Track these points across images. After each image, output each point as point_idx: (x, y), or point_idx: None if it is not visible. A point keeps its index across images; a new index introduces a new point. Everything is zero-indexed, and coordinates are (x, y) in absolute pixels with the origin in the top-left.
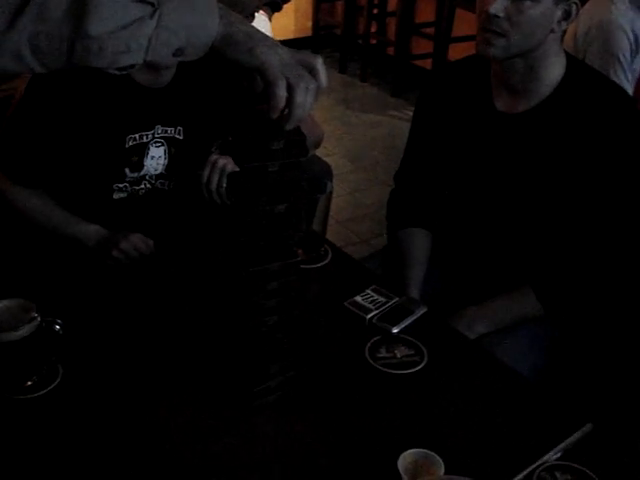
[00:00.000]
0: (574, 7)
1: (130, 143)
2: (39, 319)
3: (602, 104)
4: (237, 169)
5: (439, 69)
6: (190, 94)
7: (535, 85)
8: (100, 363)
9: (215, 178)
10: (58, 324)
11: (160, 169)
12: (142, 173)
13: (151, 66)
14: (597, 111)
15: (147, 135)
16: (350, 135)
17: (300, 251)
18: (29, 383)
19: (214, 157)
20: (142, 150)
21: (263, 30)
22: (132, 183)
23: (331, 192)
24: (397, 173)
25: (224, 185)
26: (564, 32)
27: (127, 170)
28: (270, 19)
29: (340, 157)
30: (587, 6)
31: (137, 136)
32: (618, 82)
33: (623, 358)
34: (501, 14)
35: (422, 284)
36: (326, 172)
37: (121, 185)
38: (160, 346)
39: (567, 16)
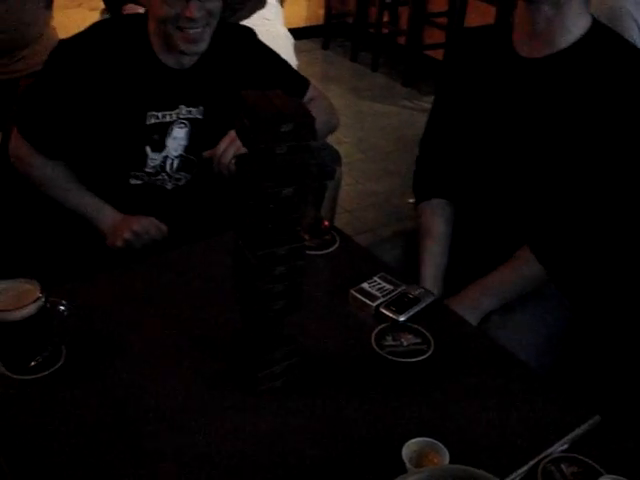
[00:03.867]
0: None
1: (152, 120)
2: (44, 299)
3: (623, 62)
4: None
5: (460, 33)
6: (212, 75)
7: (559, 33)
8: (104, 345)
9: (231, 151)
10: (63, 305)
11: (180, 150)
12: (163, 154)
13: (177, 49)
14: (617, 68)
15: (170, 115)
16: (360, 124)
17: (308, 237)
18: (33, 363)
19: (234, 133)
20: (164, 129)
21: (274, 16)
22: (150, 174)
23: (340, 179)
24: (422, 139)
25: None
26: None
27: (148, 149)
28: (282, 4)
29: (350, 146)
30: None
31: (159, 114)
32: None
33: (632, 349)
34: None
35: (443, 267)
36: (335, 159)
37: (139, 173)
38: (165, 329)
39: None
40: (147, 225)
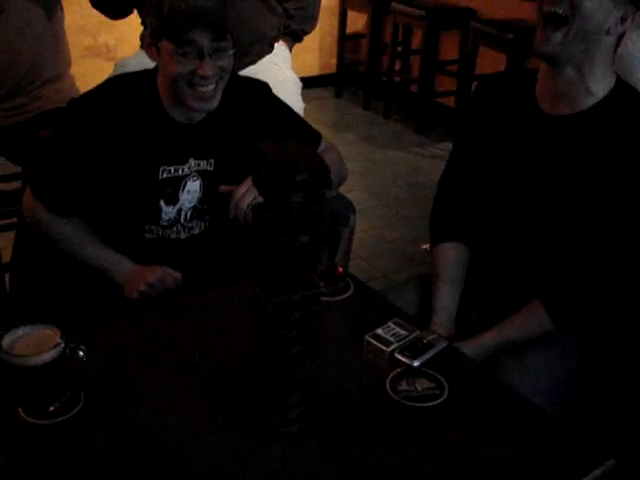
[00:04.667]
0: (630, 13)
1: (164, 175)
2: (63, 345)
3: None
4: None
5: (484, 81)
6: (222, 129)
7: (582, 94)
8: (121, 390)
9: (248, 197)
10: (82, 350)
11: (194, 202)
12: (177, 206)
13: (188, 106)
14: (638, 130)
15: (182, 168)
16: (373, 171)
17: (322, 284)
18: (52, 408)
19: (250, 179)
20: (178, 183)
21: (282, 60)
22: (165, 227)
23: (354, 226)
24: (441, 180)
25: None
26: (615, 48)
27: (162, 202)
28: (290, 49)
29: (363, 193)
30: None
31: (172, 169)
32: None
33: None
34: (564, 14)
35: (454, 318)
36: (348, 207)
37: (154, 227)
38: (181, 374)
39: (622, 21)
40: (161, 275)
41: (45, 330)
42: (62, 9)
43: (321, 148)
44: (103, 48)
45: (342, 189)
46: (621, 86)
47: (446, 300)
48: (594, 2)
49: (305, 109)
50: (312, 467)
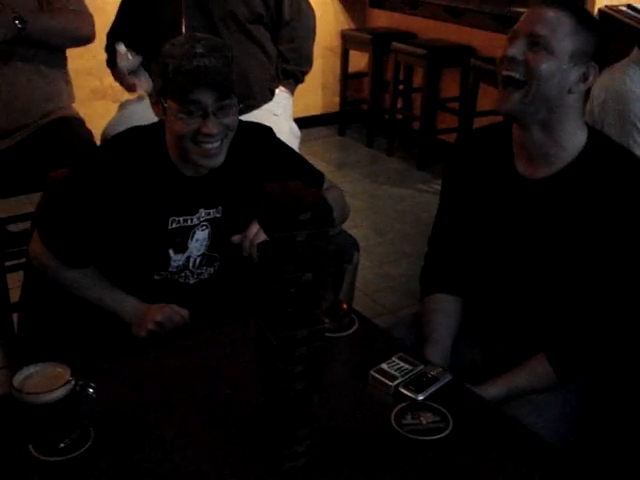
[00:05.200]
0: (592, 70)
1: (173, 225)
2: (73, 382)
3: (622, 176)
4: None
5: (464, 137)
6: (230, 177)
7: (555, 152)
8: (130, 426)
9: (262, 236)
10: (91, 387)
11: (203, 249)
12: (186, 254)
13: (194, 163)
14: (617, 182)
15: (192, 219)
16: (377, 208)
17: (327, 320)
18: (62, 445)
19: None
20: (187, 232)
21: (283, 110)
22: (173, 273)
23: (357, 263)
24: (430, 237)
25: None
26: (584, 100)
27: (171, 251)
28: (293, 92)
29: (367, 229)
30: (601, 78)
31: (181, 219)
32: (638, 150)
33: None
34: (519, 57)
35: (449, 350)
36: (352, 244)
37: (163, 272)
38: (189, 410)
39: (584, 78)
40: (169, 313)
41: (55, 368)
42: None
43: (324, 187)
44: (109, 90)
45: (346, 225)
46: (594, 138)
47: (439, 334)
48: (550, 64)
49: (309, 147)
50: None
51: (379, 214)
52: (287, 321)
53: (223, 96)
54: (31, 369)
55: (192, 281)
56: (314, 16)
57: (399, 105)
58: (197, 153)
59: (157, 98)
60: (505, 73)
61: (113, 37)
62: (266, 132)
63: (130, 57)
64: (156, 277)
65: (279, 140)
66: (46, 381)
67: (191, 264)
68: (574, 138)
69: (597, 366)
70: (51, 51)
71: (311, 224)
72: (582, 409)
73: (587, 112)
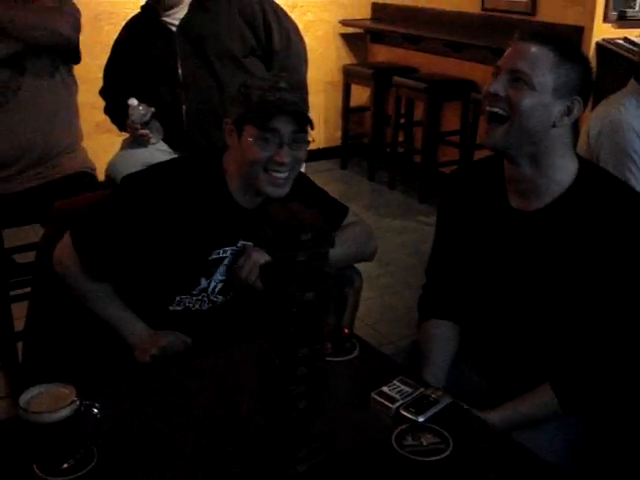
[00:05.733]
0: (576, 103)
1: (214, 256)
2: (78, 402)
3: (614, 206)
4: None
5: (459, 170)
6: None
7: (545, 184)
8: (134, 447)
9: (247, 266)
10: (96, 408)
11: (224, 274)
12: (211, 279)
13: (261, 191)
14: (609, 212)
15: (231, 249)
16: (379, 240)
17: (329, 345)
18: (66, 465)
19: (249, 249)
20: (221, 262)
21: None
22: (193, 295)
23: (360, 289)
24: (427, 268)
25: (253, 278)
26: (575, 136)
27: (203, 279)
28: None
29: (369, 262)
30: (597, 109)
31: (221, 250)
32: (634, 180)
33: None
34: (501, 93)
35: (446, 374)
36: (354, 269)
37: (184, 297)
38: (192, 431)
39: (569, 112)
40: (173, 340)
41: (61, 389)
42: (76, 84)
43: (348, 220)
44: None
45: None
46: (585, 168)
47: (436, 355)
48: (532, 100)
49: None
50: None
51: (381, 246)
52: (289, 340)
53: (299, 129)
54: (37, 389)
55: (206, 307)
56: (304, 45)
57: (400, 139)
58: (266, 181)
59: (233, 126)
60: (488, 109)
61: (108, 78)
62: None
63: (142, 110)
64: (171, 308)
65: (305, 176)
66: (52, 401)
67: (210, 289)
68: (564, 170)
69: (602, 396)
70: (58, 84)
71: (311, 244)
72: (584, 435)
73: (582, 143)
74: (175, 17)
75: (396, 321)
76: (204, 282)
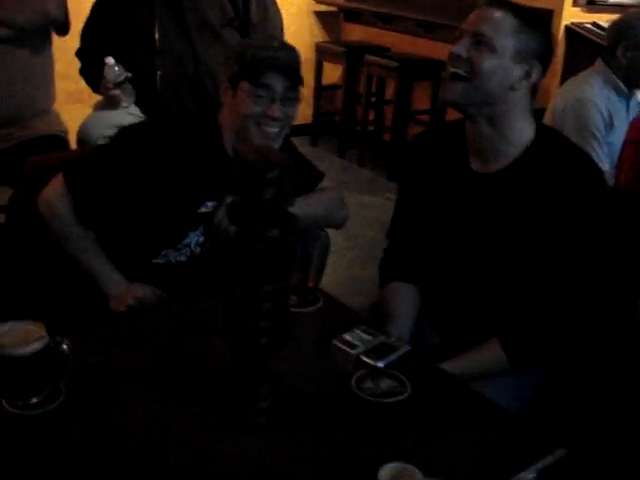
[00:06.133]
0: (535, 68)
1: (202, 209)
2: (48, 338)
3: (568, 168)
4: None
5: (422, 134)
6: None
7: (504, 147)
8: (101, 385)
9: (221, 215)
10: (65, 344)
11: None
12: (196, 232)
13: None
14: (563, 175)
15: (217, 205)
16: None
17: (295, 297)
18: (34, 400)
19: (228, 199)
20: (208, 217)
21: None
22: (177, 249)
23: (327, 245)
24: (389, 231)
25: (226, 223)
26: (532, 97)
27: (191, 233)
28: None
29: (336, 234)
30: (564, 87)
31: (210, 204)
32: (595, 155)
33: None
34: (464, 55)
35: (410, 330)
36: (320, 229)
37: (169, 250)
38: (159, 371)
39: (527, 76)
40: (149, 293)
41: (31, 326)
42: (51, 47)
43: (323, 185)
44: (85, 93)
45: None
46: (542, 132)
47: (399, 313)
48: (493, 62)
49: None
50: (279, 456)
51: (349, 221)
52: (254, 277)
53: (292, 86)
54: (7, 326)
55: (184, 259)
56: (281, 16)
57: (371, 117)
58: (258, 135)
59: (228, 83)
60: (450, 70)
61: (85, 38)
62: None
63: (117, 70)
64: (154, 260)
65: (290, 140)
66: (21, 337)
67: (193, 242)
68: (521, 133)
69: (548, 350)
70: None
71: (278, 182)
72: (535, 384)
73: (547, 119)
74: None
75: (362, 293)
76: (191, 236)
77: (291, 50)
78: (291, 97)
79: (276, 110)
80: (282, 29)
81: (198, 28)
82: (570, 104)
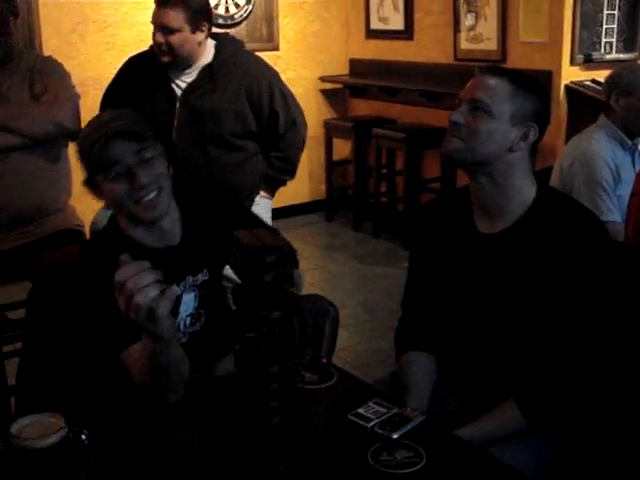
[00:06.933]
0: (532, 130)
1: None
2: (66, 429)
3: (572, 225)
4: None
5: (429, 202)
6: (205, 242)
7: (506, 205)
8: (121, 475)
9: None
10: (84, 434)
11: (190, 309)
12: (177, 320)
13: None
14: (568, 231)
15: (181, 285)
16: (364, 288)
17: (309, 374)
18: None
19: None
20: (177, 301)
21: (263, 212)
22: None
23: (337, 320)
24: (403, 301)
25: None
26: (532, 157)
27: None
28: (272, 195)
29: (356, 307)
30: (570, 143)
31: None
32: (606, 208)
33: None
34: (461, 121)
35: (425, 403)
36: (326, 301)
37: None
38: (179, 456)
39: (525, 137)
40: None
41: (50, 418)
42: (66, 146)
43: None
44: None
45: (337, 304)
46: (543, 191)
47: (417, 384)
48: (490, 126)
49: (297, 233)
50: None
51: (367, 293)
52: (260, 358)
53: (140, 148)
54: (27, 419)
55: (184, 339)
56: (306, 127)
57: (383, 188)
58: (141, 210)
59: (89, 186)
60: (450, 133)
61: (104, 106)
62: (232, 198)
63: None
64: None
65: (240, 204)
66: (41, 429)
67: (182, 326)
68: (523, 192)
69: (565, 409)
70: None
71: (276, 265)
72: (560, 450)
73: (555, 176)
74: (183, 80)
75: (382, 363)
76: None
77: (126, 113)
78: (148, 158)
79: (140, 178)
80: (304, 141)
81: (214, 139)
82: (578, 159)
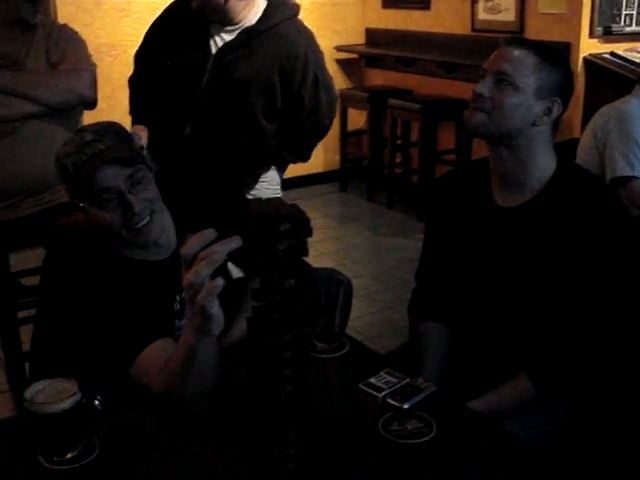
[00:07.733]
0: (556, 104)
1: (177, 307)
2: (80, 394)
3: (590, 201)
4: None
5: (447, 174)
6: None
7: (526, 179)
8: (134, 438)
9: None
10: (98, 400)
11: None
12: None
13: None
14: (586, 206)
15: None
16: (378, 258)
17: (321, 343)
18: (69, 455)
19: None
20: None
21: (271, 188)
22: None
23: (350, 290)
24: (417, 272)
25: None
26: (554, 131)
27: (177, 320)
28: (283, 170)
29: (369, 278)
30: (602, 110)
31: (177, 296)
32: (638, 163)
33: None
34: (486, 94)
35: (438, 375)
36: (342, 276)
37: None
38: (191, 423)
39: (548, 112)
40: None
41: (63, 383)
42: (81, 114)
43: None
44: None
45: (349, 275)
46: (563, 166)
47: (431, 356)
48: (515, 99)
49: (311, 203)
50: None
51: (380, 263)
52: (274, 326)
53: (130, 172)
54: (41, 384)
55: None
56: (331, 120)
57: (398, 160)
58: (134, 236)
59: (72, 203)
60: (473, 105)
61: (138, 66)
62: (225, 193)
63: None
64: None
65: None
66: (55, 394)
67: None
68: (543, 166)
69: (578, 383)
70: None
71: (290, 234)
72: (568, 419)
73: (585, 141)
74: (222, 38)
75: (396, 334)
76: (182, 321)
77: (109, 132)
78: (139, 180)
79: (133, 206)
80: (326, 130)
81: (236, 114)
82: (614, 116)
